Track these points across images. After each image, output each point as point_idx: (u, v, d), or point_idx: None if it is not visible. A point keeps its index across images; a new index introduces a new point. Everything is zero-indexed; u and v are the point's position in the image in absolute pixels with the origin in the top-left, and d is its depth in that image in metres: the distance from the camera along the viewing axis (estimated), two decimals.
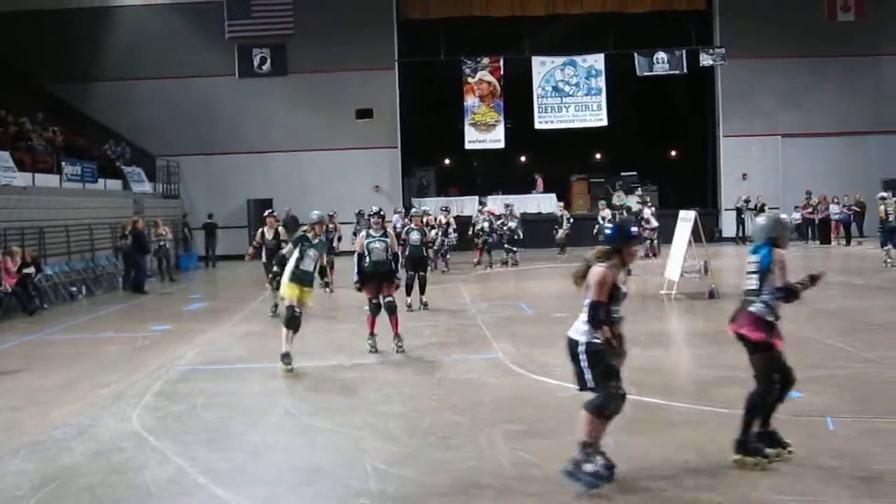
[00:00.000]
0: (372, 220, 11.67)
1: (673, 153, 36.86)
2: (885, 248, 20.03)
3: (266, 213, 15.45)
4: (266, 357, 10.61)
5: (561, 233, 25.79)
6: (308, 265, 9.98)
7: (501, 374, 9.35)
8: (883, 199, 20.70)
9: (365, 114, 30.59)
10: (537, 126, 31.17)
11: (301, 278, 9.93)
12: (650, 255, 23.86)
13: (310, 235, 10.12)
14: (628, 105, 32.39)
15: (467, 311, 14.56)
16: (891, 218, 20.37)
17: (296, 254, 9.99)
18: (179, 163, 30.12)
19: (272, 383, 9.22)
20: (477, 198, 30.86)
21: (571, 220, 26.25)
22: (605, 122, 31.18)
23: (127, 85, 30.01)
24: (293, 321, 9.77)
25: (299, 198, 28.35)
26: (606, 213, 24.43)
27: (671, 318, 13.48)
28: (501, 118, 31.26)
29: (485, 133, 31.30)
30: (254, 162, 30.44)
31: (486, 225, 23.33)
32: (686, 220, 15.89)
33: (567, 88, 31.24)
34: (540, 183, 32.52)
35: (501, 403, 8.02)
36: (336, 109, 30.31)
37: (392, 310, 10.78)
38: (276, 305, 13.94)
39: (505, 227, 23.52)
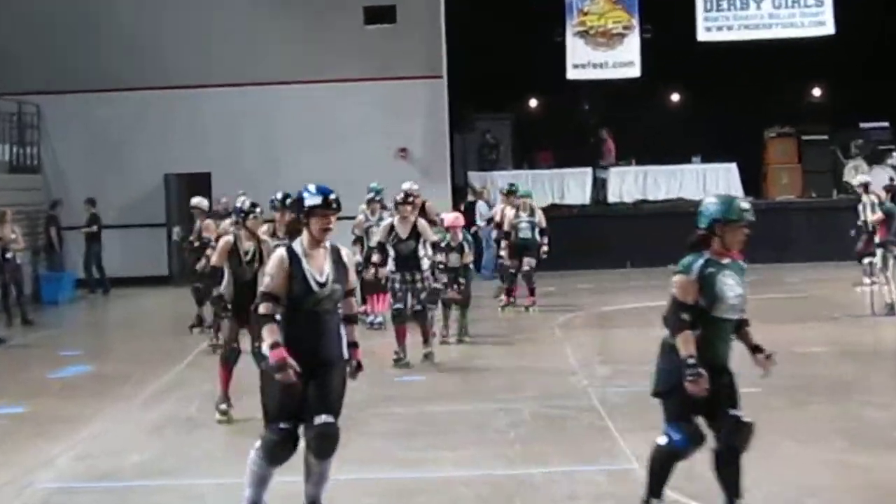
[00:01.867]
0: None
1: None
2: None
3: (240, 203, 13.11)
4: (197, 465, 10.65)
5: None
6: None
7: (637, 500, 9.29)
8: None
9: (381, 15, 30.87)
10: (702, 38, 31.51)
11: None
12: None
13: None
14: (871, 2, 32.21)
15: (573, 384, 14.53)
16: None
17: None
18: (40, 106, 30.71)
19: None
20: (590, 169, 30.85)
21: None
22: (830, 30, 31.32)
23: None
24: None
25: (262, 171, 28.48)
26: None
27: None
28: (636, 23, 31.50)
29: (605, 50, 31.50)
30: (177, 106, 30.93)
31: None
32: None
33: None
34: (610, 145, 32.37)
35: None
36: (328, 8, 30.68)
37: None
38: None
39: None
